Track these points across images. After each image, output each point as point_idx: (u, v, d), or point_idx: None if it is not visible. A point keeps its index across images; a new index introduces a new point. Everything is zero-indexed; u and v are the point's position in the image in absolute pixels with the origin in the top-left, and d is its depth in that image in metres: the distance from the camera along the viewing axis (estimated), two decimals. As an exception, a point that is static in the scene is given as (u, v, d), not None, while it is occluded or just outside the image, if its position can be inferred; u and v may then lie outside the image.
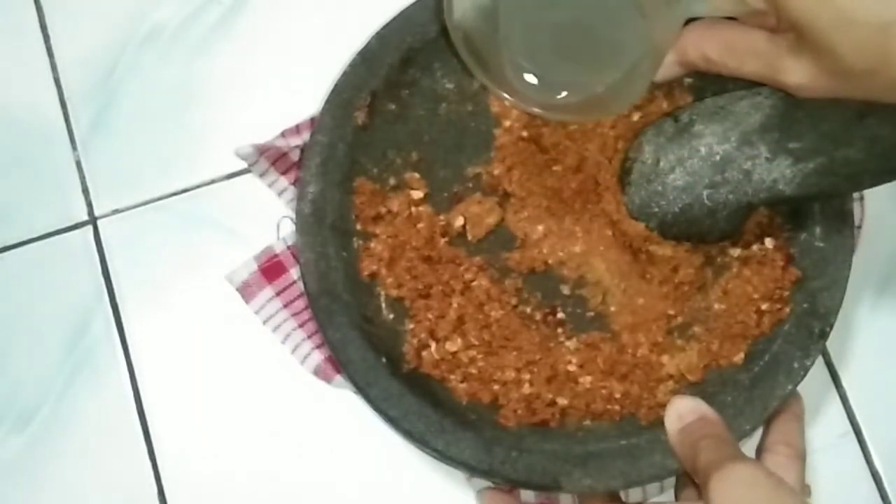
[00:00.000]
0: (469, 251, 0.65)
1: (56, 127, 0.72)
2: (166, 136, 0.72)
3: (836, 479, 0.67)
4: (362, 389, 0.59)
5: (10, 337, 0.69)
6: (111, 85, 0.73)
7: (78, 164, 0.71)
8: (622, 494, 0.61)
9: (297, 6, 0.73)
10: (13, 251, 0.70)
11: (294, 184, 0.68)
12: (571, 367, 0.62)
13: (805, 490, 0.54)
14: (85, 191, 0.71)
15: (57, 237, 0.70)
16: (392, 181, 0.65)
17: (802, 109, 0.53)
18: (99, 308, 0.69)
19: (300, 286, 0.64)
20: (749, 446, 0.57)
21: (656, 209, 0.62)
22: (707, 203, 0.59)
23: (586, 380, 0.62)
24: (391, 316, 0.63)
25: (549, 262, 0.65)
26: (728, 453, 0.50)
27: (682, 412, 0.55)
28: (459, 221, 0.66)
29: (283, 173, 0.68)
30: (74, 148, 0.72)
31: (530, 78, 0.60)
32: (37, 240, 0.70)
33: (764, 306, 0.62)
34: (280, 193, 0.69)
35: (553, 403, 0.61)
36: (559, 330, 0.64)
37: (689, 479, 0.54)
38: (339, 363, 0.60)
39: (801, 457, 0.55)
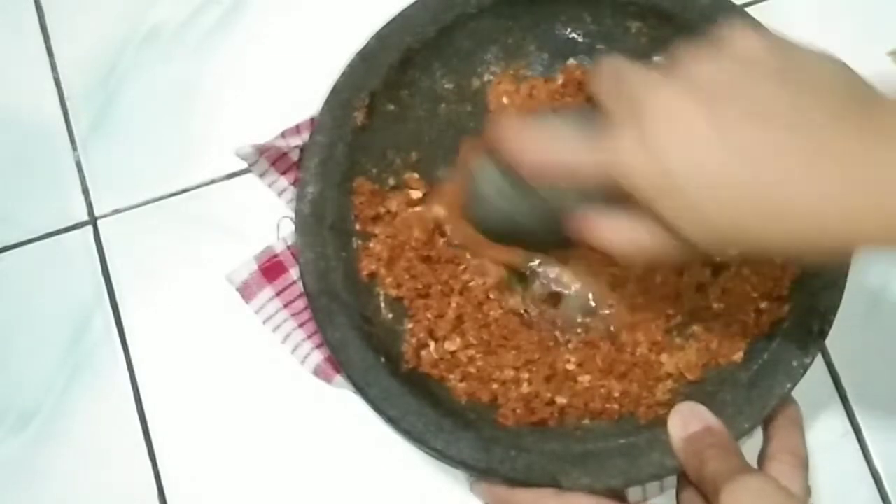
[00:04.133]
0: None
1: (56, 127, 0.72)
2: (166, 136, 0.72)
3: (836, 479, 0.67)
4: (361, 389, 0.59)
5: (10, 337, 0.69)
6: (111, 85, 0.73)
7: (78, 164, 0.72)
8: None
9: (297, 6, 0.73)
10: (13, 251, 0.70)
11: (294, 184, 0.68)
12: (570, 366, 0.62)
13: (806, 491, 0.54)
14: (85, 191, 0.71)
15: (57, 237, 0.71)
16: (391, 181, 0.65)
17: None
18: (99, 308, 0.69)
19: (300, 286, 0.64)
20: (748, 448, 0.57)
21: (488, 223, 0.63)
22: (524, 222, 0.59)
23: (585, 379, 0.62)
24: (390, 316, 0.63)
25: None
26: (736, 465, 0.51)
27: (687, 420, 0.55)
28: (459, 221, 0.66)
29: (283, 173, 0.69)
30: (74, 148, 0.72)
31: None
32: (37, 240, 0.71)
33: (763, 305, 0.62)
34: (280, 193, 0.69)
35: (552, 402, 0.61)
36: (558, 329, 0.64)
37: (690, 481, 0.54)
38: (339, 363, 0.60)
39: (803, 464, 0.55)
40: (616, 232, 0.50)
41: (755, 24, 0.45)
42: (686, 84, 0.45)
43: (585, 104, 0.65)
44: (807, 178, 0.42)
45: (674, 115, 0.44)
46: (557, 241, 0.57)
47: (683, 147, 0.44)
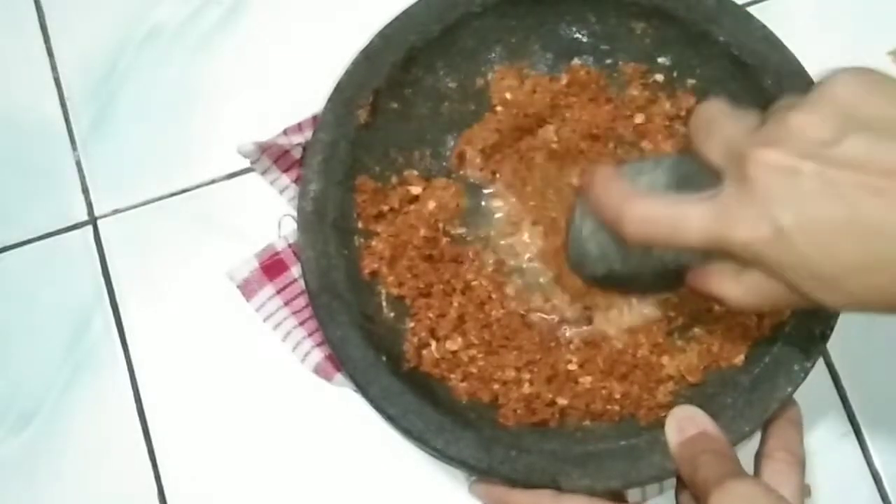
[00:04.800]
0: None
1: (56, 127, 0.72)
2: (166, 136, 0.72)
3: (836, 479, 0.67)
4: (362, 388, 0.59)
5: (10, 337, 0.69)
6: (111, 85, 0.73)
7: (78, 164, 0.72)
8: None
9: (298, 5, 0.73)
10: (13, 251, 0.70)
11: (296, 181, 0.68)
12: (572, 367, 0.62)
13: (805, 490, 0.54)
14: (85, 191, 0.71)
15: (57, 237, 0.71)
16: (394, 179, 0.65)
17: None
18: (99, 308, 0.69)
19: (301, 284, 0.64)
20: (748, 450, 0.57)
21: (585, 270, 0.63)
22: (623, 270, 0.60)
23: (586, 380, 0.62)
24: (392, 314, 0.63)
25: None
26: (728, 470, 0.50)
27: (683, 424, 0.55)
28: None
29: (285, 171, 0.69)
30: (74, 148, 0.72)
31: None
32: (37, 240, 0.71)
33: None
34: (282, 191, 0.69)
35: (553, 403, 0.61)
36: (559, 329, 0.64)
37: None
38: (339, 361, 0.60)
39: (800, 463, 0.55)
40: (736, 286, 0.49)
41: (858, 71, 0.45)
42: (789, 140, 0.44)
43: (678, 153, 0.65)
44: None
45: (781, 174, 0.44)
46: (659, 287, 0.59)
47: (793, 204, 0.43)
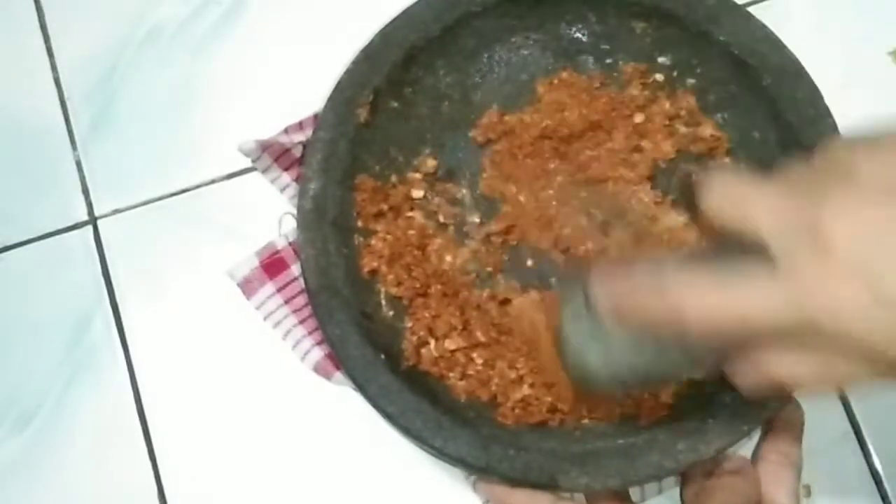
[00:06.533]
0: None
1: (56, 127, 0.72)
2: (166, 136, 0.72)
3: (836, 479, 0.67)
4: (361, 386, 0.59)
5: (10, 337, 0.69)
6: (111, 85, 0.73)
7: (78, 164, 0.72)
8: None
9: (298, 5, 0.74)
10: (13, 251, 0.71)
11: (296, 180, 0.68)
12: None
13: (805, 491, 0.54)
14: (85, 191, 0.71)
15: (57, 237, 0.71)
16: (394, 179, 0.65)
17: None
18: (99, 308, 0.69)
19: (301, 283, 0.64)
20: (749, 447, 0.57)
21: (592, 383, 0.57)
22: (631, 376, 0.55)
23: None
24: (391, 313, 0.63)
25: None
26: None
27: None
28: (458, 221, 0.66)
29: (286, 169, 0.69)
30: (74, 148, 0.72)
31: None
32: (37, 240, 0.71)
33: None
34: (282, 190, 0.69)
35: (553, 407, 0.61)
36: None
37: (692, 477, 0.54)
38: (339, 359, 0.60)
39: (793, 465, 0.54)
40: (799, 368, 0.42)
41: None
42: (864, 188, 0.37)
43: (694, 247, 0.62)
44: None
45: (873, 229, 0.37)
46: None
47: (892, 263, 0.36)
